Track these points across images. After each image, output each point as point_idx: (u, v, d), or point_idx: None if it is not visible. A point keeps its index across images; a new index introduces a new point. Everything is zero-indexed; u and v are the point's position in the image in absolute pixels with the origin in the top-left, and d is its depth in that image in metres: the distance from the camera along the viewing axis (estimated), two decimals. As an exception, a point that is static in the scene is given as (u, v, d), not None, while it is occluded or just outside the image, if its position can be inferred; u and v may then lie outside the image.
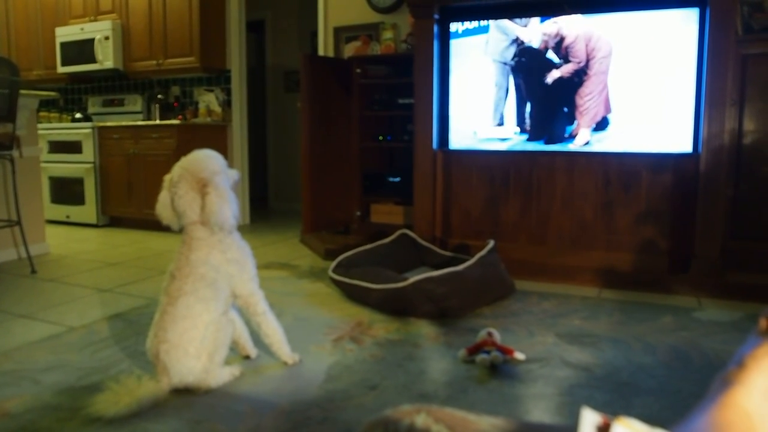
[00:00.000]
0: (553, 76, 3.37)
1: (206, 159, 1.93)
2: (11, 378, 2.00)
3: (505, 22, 3.45)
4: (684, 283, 3.04)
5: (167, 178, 1.93)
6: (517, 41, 3.44)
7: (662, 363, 2.10)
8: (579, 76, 3.31)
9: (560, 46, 3.34)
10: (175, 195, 1.88)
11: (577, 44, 3.28)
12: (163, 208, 1.92)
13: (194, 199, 1.87)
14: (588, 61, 3.28)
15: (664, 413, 1.72)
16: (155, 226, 2.01)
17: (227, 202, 1.89)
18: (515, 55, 3.46)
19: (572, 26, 3.29)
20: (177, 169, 1.91)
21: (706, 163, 3.01)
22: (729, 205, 3.11)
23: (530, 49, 3.42)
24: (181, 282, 1.84)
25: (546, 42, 3.37)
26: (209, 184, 1.88)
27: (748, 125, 3.07)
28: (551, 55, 3.37)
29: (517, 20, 3.43)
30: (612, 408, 1.74)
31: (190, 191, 1.87)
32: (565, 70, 3.33)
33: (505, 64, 3.49)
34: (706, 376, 1.98)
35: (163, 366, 1.80)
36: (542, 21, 3.36)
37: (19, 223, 3.73)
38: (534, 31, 3.40)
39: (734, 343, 2.29)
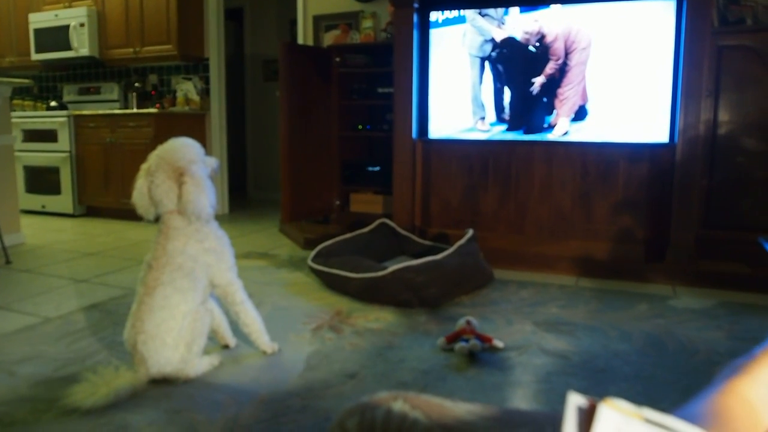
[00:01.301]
0: (533, 68, 3.38)
1: (183, 148, 1.91)
2: (-15, 370, 1.97)
3: (481, 22, 3.45)
4: (659, 272, 3.09)
5: (144, 167, 1.91)
6: (493, 41, 3.45)
7: (637, 350, 2.14)
8: (559, 68, 3.32)
9: (541, 43, 3.35)
10: (152, 184, 1.86)
11: (557, 42, 3.29)
12: (139, 197, 1.90)
13: (171, 189, 1.86)
14: (567, 53, 3.29)
15: (639, 399, 1.75)
16: (132, 215, 1.98)
17: (204, 191, 1.87)
18: (495, 47, 3.46)
19: (552, 24, 3.30)
20: (154, 157, 1.89)
21: (681, 153, 3.06)
22: (704, 194, 3.16)
23: (510, 40, 3.43)
24: (159, 272, 1.82)
25: (527, 40, 3.37)
26: (186, 173, 1.86)
27: (723, 116, 3.11)
28: (531, 47, 3.38)
29: (495, 17, 3.42)
30: (588, 394, 1.77)
31: (167, 180, 1.86)
32: (546, 65, 3.34)
33: (483, 56, 3.49)
34: (680, 363, 2.03)
35: (140, 356, 1.79)
36: (522, 11, 3.37)
37: (-8, 212, 3.67)
38: (514, 28, 3.40)
39: (707, 330, 2.34)
